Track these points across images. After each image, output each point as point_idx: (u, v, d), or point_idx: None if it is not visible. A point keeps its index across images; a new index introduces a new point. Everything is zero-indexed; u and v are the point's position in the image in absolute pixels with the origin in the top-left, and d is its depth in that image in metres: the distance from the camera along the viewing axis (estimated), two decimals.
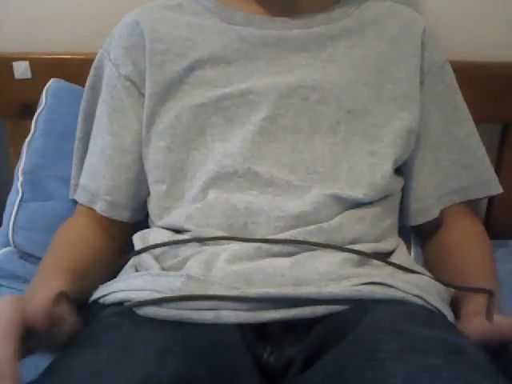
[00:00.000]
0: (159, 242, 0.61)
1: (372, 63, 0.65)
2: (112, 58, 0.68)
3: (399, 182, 0.67)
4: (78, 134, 0.74)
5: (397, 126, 0.64)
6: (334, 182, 0.60)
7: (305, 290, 0.51)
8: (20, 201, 0.79)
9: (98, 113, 0.70)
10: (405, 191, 0.69)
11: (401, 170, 0.68)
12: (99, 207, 0.68)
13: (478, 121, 0.91)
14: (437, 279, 0.59)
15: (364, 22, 0.67)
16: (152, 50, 0.65)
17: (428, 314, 0.52)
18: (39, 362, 0.57)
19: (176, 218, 0.62)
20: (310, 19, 0.65)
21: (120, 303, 0.54)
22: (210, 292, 0.51)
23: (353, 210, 0.60)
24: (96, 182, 0.68)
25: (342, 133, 0.62)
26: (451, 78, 0.71)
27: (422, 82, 0.68)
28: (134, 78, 0.66)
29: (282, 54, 0.64)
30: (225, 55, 0.64)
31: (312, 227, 0.58)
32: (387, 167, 0.63)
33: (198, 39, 0.65)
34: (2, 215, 0.81)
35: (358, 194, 0.60)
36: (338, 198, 0.60)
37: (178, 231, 0.62)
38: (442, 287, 0.58)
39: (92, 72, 0.72)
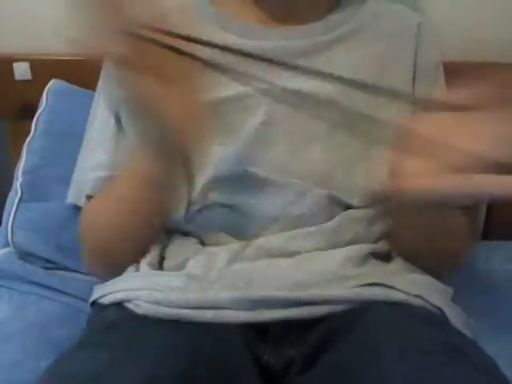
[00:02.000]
0: (170, 241, 0.61)
1: (370, 65, 0.65)
2: None
3: None
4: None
5: (392, 130, 0.64)
6: (331, 186, 0.60)
7: (306, 292, 0.51)
8: (19, 201, 0.79)
9: (103, 113, 0.68)
10: None
11: None
12: None
13: None
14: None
15: (361, 25, 0.67)
16: None
17: (429, 314, 0.52)
18: (39, 363, 0.57)
19: (176, 220, 0.62)
20: (308, 29, 0.65)
21: (120, 303, 0.54)
22: (210, 292, 0.51)
23: (351, 211, 0.60)
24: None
25: (338, 137, 0.62)
26: (442, 80, 0.70)
27: (414, 80, 0.66)
28: None
29: (280, 59, 0.64)
30: (222, 63, 0.64)
31: (312, 228, 0.59)
32: (383, 172, 0.62)
33: (196, 45, 0.65)
34: (2, 215, 0.81)
35: (353, 201, 0.60)
36: (335, 200, 0.60)
37: (179, 233, 0.62)
38: (443, 286, 0.58)
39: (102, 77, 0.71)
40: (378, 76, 0.65)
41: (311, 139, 0.61)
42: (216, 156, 0.61)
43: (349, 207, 0.61)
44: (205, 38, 0.62)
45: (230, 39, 0.64)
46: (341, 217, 0.59)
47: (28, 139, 0.85)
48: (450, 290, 0.58)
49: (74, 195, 0.68)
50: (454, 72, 0.70)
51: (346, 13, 0.67)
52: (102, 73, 0.71)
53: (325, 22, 0.66)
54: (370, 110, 0.63)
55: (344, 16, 0.67)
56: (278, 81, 0.63)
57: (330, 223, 0.59)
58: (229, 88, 0.62)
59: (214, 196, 0.60)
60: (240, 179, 0.60)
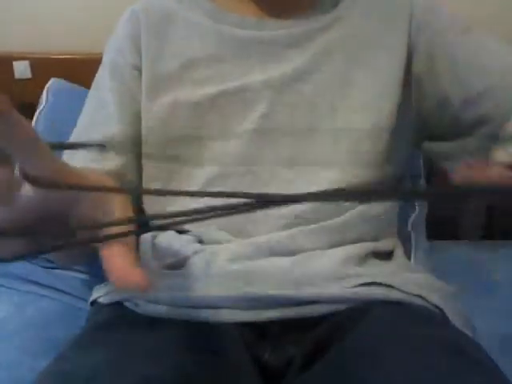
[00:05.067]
0: (165, 241, 0.60)
1: (364, 44, 0.65)
2: (117, 47, 0.67)
3: (400, 152, 0.65)
4: None
5: (391, 106, 0.63)
6: (335, 166, 0.60)
7: (305, 291, 0.51)
8: None
9: (93, 101, 0.67)
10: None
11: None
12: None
13: None
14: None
15: (354, 7, 0.66)
16: (147, 45, 0.65)
17: (428, 314, 0.52)
18: (38, 362, 0.57)
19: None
20: (301, 18, 0.65)
21: (119, 302, 0.54)
22: (210, 291, 0.51)
23: (357, 209, 0.60)
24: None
25: (340, 117, 0.62)
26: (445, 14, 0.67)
27: (410, 36, 0.64)
28: (140, 67, 0.65)
29: (275, 50, 0.64)
30: (218, 54, 0.64)
31: (312, 226, 0.58)
32: (387, 137, 0.62)
33: (192, 37, 0.65)
34: None
35: (359, 171, 0.60)
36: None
37: (178, 232, 0.62)
38: (443, 285, 0.58)
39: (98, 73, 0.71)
40: (373, 54, 0.64)
41: (313, 126, 0.61)
42: (217, 152, 0.61)
43: (353, 205, 0.60)
44: None
45: (225, 30, 0.64)
46: (346, 216, 0.59)
47: None
48: (450, 290, 0.58)
49: None
50: None
51: None
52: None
53: (319, 9, 0.66)
54: (368, 85, 0.63)
55: (335, 1, 0.66)
56: (274, 72, 0.63)
57: (333, 221, 0.59)
58: (226, 81, 0.62)
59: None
60: (242, 176, 0.60)
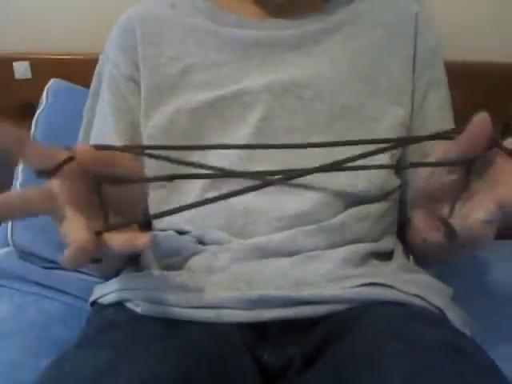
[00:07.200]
0: (165, 241, 0.60)
1: (367, 55, 0.65)
2: (111, 59, 0.68)
3: (397, 179, 0.67)
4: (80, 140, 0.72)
5: (391, 120, 0.63)
6: (333, 179, 0.60)
7: (305, 292, 0.51)
8: None
9: (99, 114, 0.68)
10: (403, 186, 0.68)
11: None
12: None
13: None
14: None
15: (358, 14, 0.66)
16: (144, 53, 0.65)
17: (428, 314, 0.52)
18: (39, 362, 0.57)
19: (176, 220, 0.62)
20: (303, 19, 0.65)
21: (120, 302, 0.54)
22: (210, 291, 0.51)
23: (356, 208, 0.60)
24: None
25: (337, 128, 0.62)
26: (441, 65, 0.70)
27: (414, 71, 0.66)
28: (136, 78, 0.66)
29: (276, 52, 0.64)
30: (218, 58, 0.64)
31: (312, 227, 0.58)
32: (384, 161, 0.62)
33: (190, 42, 0.64)
34: None
35: (355, 189, 0.60)
36: (337, 196, 0.59)
37: (179, 233, 0.62)
38: (442, 285, 0.58)
39: (94, 78, 0.71)
40: (374, 67, 0.64)
41: (311, 133, 0.61)
42: (215, 154, 0.61)
43: (353, 204, 0.60)
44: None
45: (225, 31, 0.64)
46: (345, 214, 0.59)
47: None
48: (449, 290, 0.58)
49: None
50: (454, 72, 0.71)
51: (341, 1, 0.67)
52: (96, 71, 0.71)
53: (321, 12, 0.66)
54: (367, 99, 0.63)
55: (338, 4, 0.66)
56: (274, 75, 0.63)
57: (332, 222, 0.59)
58: (226, 85, 0.62)
59: (214, 195, 0.60)
60: (240, 178, 0.60)
